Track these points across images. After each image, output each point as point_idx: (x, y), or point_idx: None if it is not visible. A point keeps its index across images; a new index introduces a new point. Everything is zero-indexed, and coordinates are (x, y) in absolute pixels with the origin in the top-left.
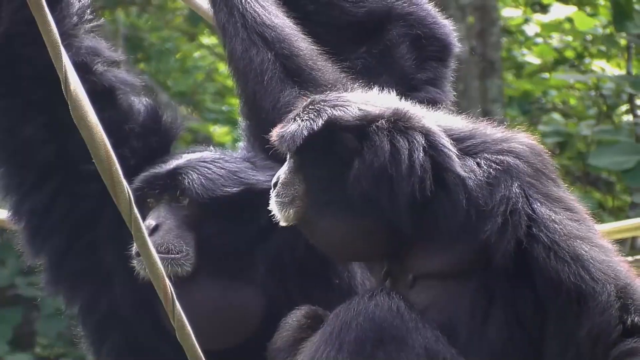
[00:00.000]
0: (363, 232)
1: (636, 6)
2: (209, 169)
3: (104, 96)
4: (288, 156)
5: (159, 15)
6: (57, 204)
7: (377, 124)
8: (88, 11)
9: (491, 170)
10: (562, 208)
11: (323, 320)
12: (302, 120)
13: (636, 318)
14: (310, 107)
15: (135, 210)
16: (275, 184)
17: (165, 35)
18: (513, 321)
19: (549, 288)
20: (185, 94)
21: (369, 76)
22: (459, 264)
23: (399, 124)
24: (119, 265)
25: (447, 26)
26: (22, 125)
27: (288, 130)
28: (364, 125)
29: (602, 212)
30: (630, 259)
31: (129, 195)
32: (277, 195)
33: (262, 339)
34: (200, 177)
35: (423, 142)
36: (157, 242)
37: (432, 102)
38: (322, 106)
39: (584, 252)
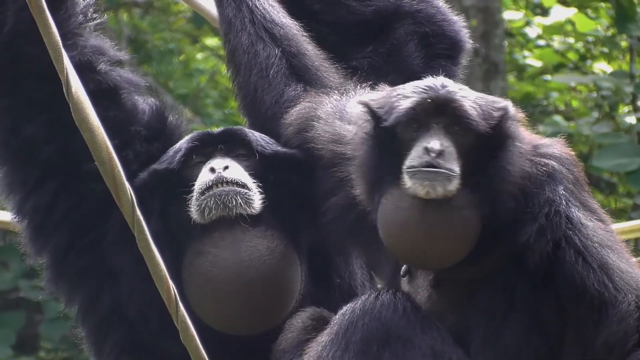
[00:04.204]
0: (472, 230)
1: (638, 8)
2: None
3: (109, 95)
4: (451, 130)
5: (162, 18)
6: (60, 202)
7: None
8: (92, 10)
9: (539, 172)
10: (596, 218)
11: (328, 322)
12: (478, 101)
13: None
14: (462, 91)
15: (138, 212)
16: (437, 153)
17: (167, 36)
18: (531, 326)
19: (572, 293)
20: (187, 97)
21: (376, 76)
22: (490, 268)
23: None
24: (128, 265)
25: (457, 23)
26: (25, 123)
27: (474, 106)
28: (517, 116)
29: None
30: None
31: (131, 197)
32: (447, 168)
33: (266, 341)
34: (256, 135)
35: None
36: (230, 175)
37: None
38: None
39: (611, 262)
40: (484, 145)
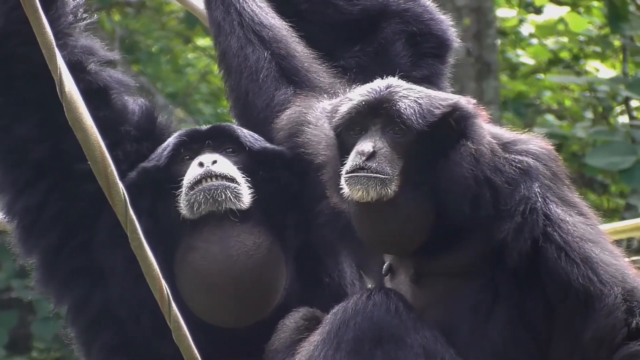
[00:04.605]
0: (424, 220)
1: (631, 8)
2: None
3: (99, 95)
4: (387, 131)
5: (154, 18)
6: (51, 202)
7: (476, 113)
8: (82, 10)
9: (513, 170)
10: (576, 212)
11: (320, 322)
12: (420, 99)
13: None
14: (405, 90)
15: (131, 211)
16: (368, 156)
17: (158, 35)
18: (517, 321)
19: (557, 289)
20: (176, 95)
21: (364, 75)
22: (469, 264)
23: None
24: (120, 265)
25: (445, 22)
26: (17, 123)
27: (411, 105)
28: (472, 113)
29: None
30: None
31: (124, 196)
32: (378, 171)
33: (257, 340)
34: (244, 131)
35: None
36: (219, 169)
37: None
38: (431, 91)
39: (594, 255)
40: (430, 144)
